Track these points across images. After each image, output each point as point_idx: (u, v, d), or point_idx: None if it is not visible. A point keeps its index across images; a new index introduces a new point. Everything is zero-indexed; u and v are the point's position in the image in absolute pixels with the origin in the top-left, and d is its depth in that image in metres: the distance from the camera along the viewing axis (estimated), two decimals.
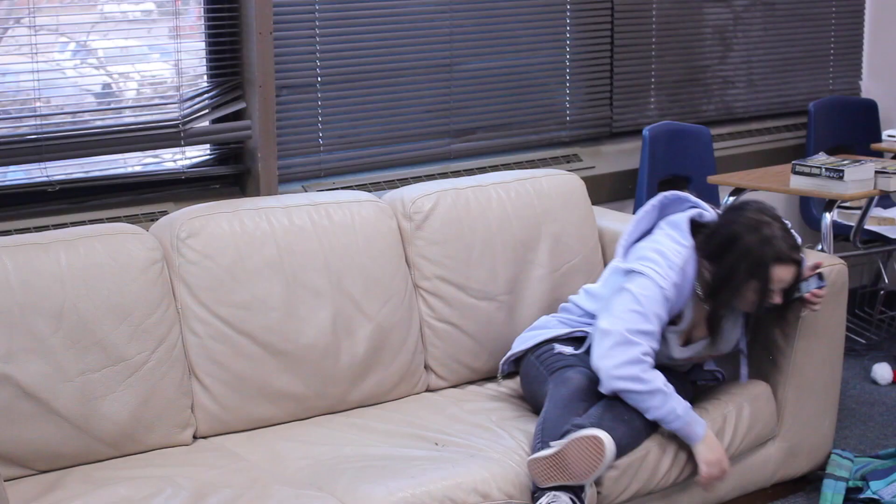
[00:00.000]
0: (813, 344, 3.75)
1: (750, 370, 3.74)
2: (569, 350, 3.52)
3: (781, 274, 3.40)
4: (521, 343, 3.65)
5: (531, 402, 3.59)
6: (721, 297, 3.43)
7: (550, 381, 3.44)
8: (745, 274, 3.38)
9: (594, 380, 3.39)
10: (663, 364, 3.48)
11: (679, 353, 3.54)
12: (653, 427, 3.40)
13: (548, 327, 3.65)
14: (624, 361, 3.33)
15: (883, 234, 4.97)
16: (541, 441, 3.23)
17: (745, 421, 3.62)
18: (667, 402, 3.34)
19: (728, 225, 3.45)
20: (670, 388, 3.36)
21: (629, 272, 3.42)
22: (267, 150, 3.99)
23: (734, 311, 3.52)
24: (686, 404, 3.39)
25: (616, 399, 3.36)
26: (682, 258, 3.43)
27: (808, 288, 3.52)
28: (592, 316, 3.54)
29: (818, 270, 3.55)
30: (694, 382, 3.72)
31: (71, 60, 3.89)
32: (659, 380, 3.35)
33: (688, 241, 3.46)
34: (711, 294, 3.44)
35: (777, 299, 3.43)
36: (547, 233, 3.93)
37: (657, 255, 3.42)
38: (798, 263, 3.43)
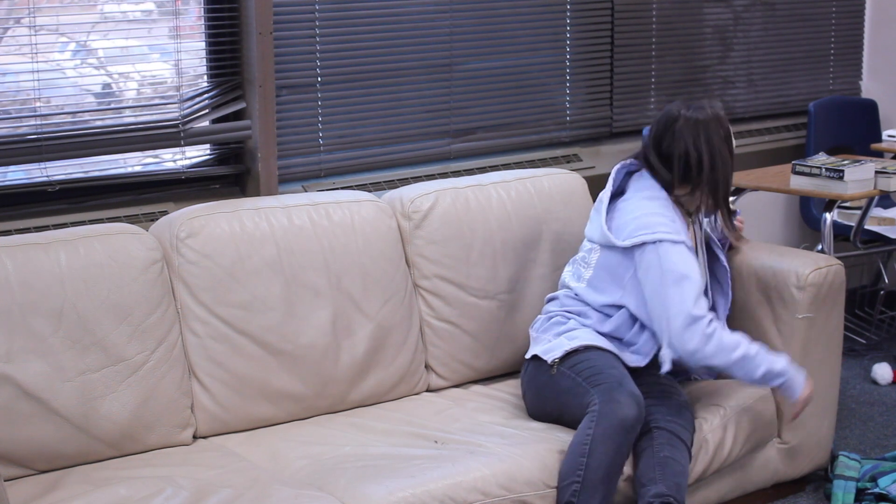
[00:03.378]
0: (812, 344, 3.75)
1: None
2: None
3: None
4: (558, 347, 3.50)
5: (544, 409, 3.50)
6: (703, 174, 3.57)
7: (597, 397, 3.30)
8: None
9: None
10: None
11: None
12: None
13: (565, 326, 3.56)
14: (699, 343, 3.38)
15: (883, 234, 4.97)
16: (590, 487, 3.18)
17: (745, 427, 3.60)
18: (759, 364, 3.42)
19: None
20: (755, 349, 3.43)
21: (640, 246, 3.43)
22: (267, 150, 3.99)
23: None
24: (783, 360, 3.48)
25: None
26: (669, 204, 3.51)
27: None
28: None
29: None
30: (688, 378, 3.73)
31: (71, 60, 3.89)
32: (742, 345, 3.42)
33: (658, 187, 3.54)
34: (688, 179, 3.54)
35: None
36: (548, 231, 3.92)
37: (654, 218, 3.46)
38: None
